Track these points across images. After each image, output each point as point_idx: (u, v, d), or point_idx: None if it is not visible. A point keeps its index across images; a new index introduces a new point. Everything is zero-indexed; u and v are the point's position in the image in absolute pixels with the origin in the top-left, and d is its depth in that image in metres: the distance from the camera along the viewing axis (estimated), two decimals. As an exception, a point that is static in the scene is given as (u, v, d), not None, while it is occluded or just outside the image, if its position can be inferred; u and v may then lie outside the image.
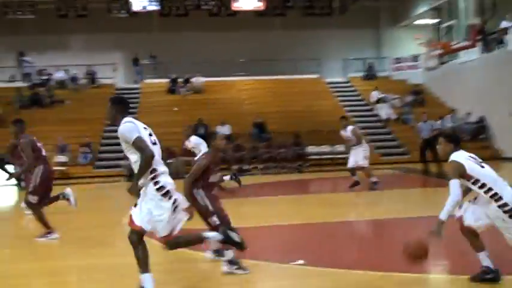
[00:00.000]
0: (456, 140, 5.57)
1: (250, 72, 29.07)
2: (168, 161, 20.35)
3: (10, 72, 28.32)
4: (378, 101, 26.27)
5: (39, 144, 9.08)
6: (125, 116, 5.30)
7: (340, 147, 17.89)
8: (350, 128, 13.69)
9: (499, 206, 5.15)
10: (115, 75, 28.56)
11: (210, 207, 6.28)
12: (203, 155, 6.59)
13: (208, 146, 6.71)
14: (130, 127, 5.15)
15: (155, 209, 5.08)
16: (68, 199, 9.52)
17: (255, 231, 9.37)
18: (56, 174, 20.69)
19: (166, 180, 5.15)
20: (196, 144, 13.75)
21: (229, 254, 6.15)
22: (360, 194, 13.30)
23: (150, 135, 5.29)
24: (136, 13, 28.46)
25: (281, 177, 19.20)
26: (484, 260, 5.27)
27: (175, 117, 24.10)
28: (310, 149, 20.67)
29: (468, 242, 5.36)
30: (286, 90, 27.56)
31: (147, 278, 5.21)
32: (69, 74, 27.98)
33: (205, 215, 6.27)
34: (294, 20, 29.97)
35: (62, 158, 21.22)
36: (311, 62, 29.57)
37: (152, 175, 5.09)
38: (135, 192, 5.19)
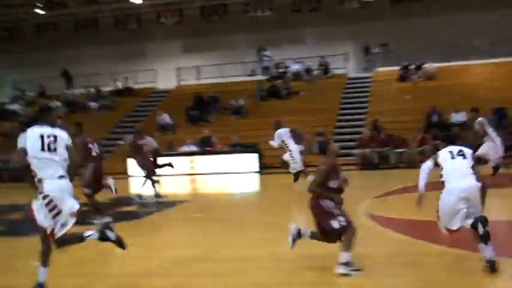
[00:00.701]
0: (439, 138, 5.65)
1: (486, 55, 27.28)
2: (401, 149, 20.31)
3: (251, 66, 30.69)
4: None
5: (90, 145, 10.51)
6: (37, 124, 5.77)
7: None
8: (477, 120, 13.15)
9: None
10: (347, 65, 29.14)
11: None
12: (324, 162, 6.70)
13: (324, 153, 6.83)
14: (23, 136, 5.71)
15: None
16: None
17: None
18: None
19: (49, 187, 5.52)
20: (279, 136, 14.99)
21: (345, 256, 6.24)
22: None
23: (51, 143, 5.60)
24: (367, 2, 28.74)
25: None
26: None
27: (407, 105, 23.81)
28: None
29: None
30: (529, 73, 25.39)
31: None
32: (304, 65, 29.31)
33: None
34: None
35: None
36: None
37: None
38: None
